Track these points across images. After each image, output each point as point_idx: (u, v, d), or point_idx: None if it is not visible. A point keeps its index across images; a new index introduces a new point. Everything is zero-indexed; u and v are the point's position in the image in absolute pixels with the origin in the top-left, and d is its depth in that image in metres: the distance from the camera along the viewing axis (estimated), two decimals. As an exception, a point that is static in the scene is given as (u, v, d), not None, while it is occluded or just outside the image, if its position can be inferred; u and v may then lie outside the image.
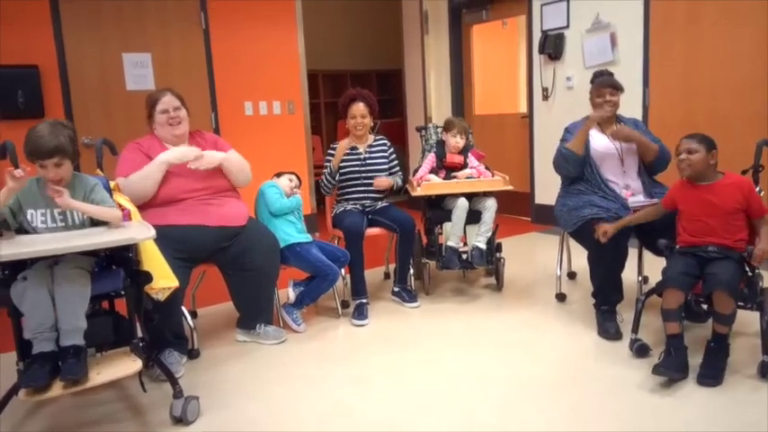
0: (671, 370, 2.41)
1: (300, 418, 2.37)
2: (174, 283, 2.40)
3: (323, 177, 3.71)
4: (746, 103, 4.14)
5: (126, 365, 2.20)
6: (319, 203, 5.87)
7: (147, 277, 2.30)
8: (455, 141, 3.69)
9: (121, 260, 2.31)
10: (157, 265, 2.35)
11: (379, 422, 2.31)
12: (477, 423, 2.26)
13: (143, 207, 2.80)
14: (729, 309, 2.42)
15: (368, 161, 3.69)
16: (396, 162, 3.79)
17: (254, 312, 3.14)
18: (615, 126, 3.23)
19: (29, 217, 2.27)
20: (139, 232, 2.25)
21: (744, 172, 2.82)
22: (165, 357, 2.75)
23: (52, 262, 2.16)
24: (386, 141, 3.83)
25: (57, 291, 2.10)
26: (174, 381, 2.34)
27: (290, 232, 3.27)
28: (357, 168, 3.66)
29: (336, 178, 3.67)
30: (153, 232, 2.22)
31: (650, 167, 3.21)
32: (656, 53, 4.63)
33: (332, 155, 3.67)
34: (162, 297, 2.39)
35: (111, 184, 2.70)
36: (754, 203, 2.55)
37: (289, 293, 3.34)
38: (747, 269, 2.55)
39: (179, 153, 2.92)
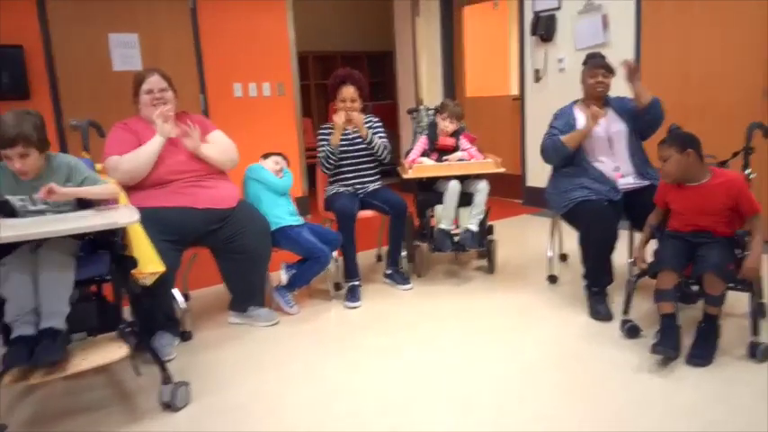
0: (667, 348, 2.42)
1: (293, 400, 2.36)
2: (160, 268, 2.37)
3: (322, 159, 3.56)
4: (739, 87, 4.12)
5: (112, 351, 2.18)
6: (311, 186, 5.82)
7: (133, 262, 2.26)
8: (444, 125, 3.67)
9: (107, 244, 2.27)
10: (144, 249, 2.32)
11: (372, 404, 2.30)
12: (472, 404, 2.26)
13: (131, 189, 2.77)
14: (719, 290, 2.43)
15: (356, 140, 3.63)
16: (381, 130, 3.69)
17: (247, 295, 3.13)
18: (603, 111, 3.20)
19: (10, 201, 2.21)
20: (123, 216, 2.20)
21: (735, 154, 2.81)
22: (158, 339, 2.75)
23: (35, 246, 2.11)
24: (371, 117, 3.73)
25: (40, 275, 2.07)
26: (162, 366, 2.31)
27: (281, 215, 3.24)
28: (346, 149, 3.61)
29: (338, 156, 3.56)
30: (137, 216, 2.18)
31: (644, 126, 3.13)
32: (647, 36, 4.59)
33: (324, 137, 3.57)
34: (149, 282, 2.37)
35: (98, 166, 2.66)
36: (743, 203, 2.48)
37: (281, 276, 3.32)
38: (736, 251, 2.54)
39: (164, 131, 2.86)
